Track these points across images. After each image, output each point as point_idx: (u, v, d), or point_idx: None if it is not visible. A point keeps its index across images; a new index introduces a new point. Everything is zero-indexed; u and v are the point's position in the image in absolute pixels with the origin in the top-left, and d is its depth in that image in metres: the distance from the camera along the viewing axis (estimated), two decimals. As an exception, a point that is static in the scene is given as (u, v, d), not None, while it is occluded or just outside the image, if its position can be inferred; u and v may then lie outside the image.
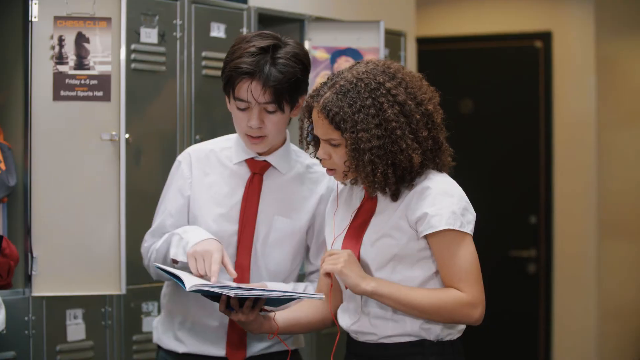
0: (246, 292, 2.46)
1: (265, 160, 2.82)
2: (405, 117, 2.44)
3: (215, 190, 2.82)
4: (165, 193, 2.89)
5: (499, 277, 6.49)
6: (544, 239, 6.69)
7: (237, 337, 2.79)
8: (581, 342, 6.58)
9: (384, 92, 2.44)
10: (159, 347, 2.94)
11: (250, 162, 2.82)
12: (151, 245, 2.85)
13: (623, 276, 6.64)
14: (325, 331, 2.86)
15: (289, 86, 2.66)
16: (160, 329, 2.93)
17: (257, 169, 2.81)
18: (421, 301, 2.44)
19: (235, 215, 2.80)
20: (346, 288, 2.54)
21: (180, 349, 2.86)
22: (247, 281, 2.76)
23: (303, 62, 2.72)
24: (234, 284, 2.55)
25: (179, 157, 2.91)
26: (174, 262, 2.73)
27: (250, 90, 2.65)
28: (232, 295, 2.43)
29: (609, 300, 6.57)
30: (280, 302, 2.60)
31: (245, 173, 2.82)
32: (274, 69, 2.64)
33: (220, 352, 2.83)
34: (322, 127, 2.49)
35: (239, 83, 2.66)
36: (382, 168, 2.43)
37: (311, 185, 2.84)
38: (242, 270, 2.77)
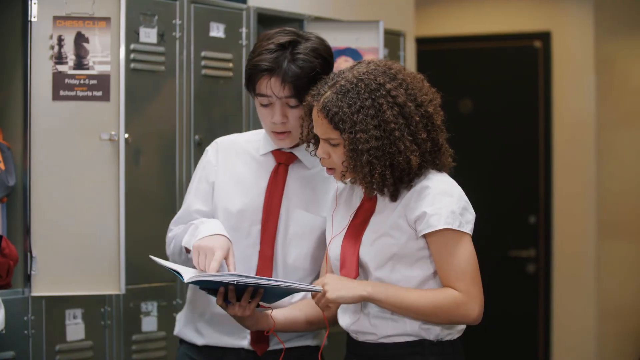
0: (248, 280, 2.46)
1: (291, 152, 2.83)
2: (404, 119, 2.44)
3: (240, 179, 2.84)
4: (192, 182, 2.91)
5: (498, 277, 6.49)
6: (543, 238, 6.69)
7: None
8: (580, 342, 6.59)
9: (383, 93, 2.44)
10: (180, 340, 2.95)
11: (276, 153, 2.83)
12: (174, 236, 2.86)
13: (622, 276, 6.64)
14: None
15: (308, 80, 2.67)
16: (182, 321, 2.94)
17: (283, 159, 2.82)
18: (417, 304, 2.44)
19: (258, 204, 2.80)
20: None
21: (199, 341, 2.86)
22: (270, 271, 2.77)
23: (323, 56, 2.73)
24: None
25: (207, 147, 2.93)
26: (187, 250, 2.74)
27: (269, 85, 2.68)
28: (235, 283, 2.43)
29: (608, 300, 6.57)
30: (275, 298, 2.60)
31: (271, 164, 2.84)
32: (293, 65, 2.67)
33: (239, 342, 2.83)
34: (321, 127, 2.49)
35: (259, 80, 2.69)
36: (380, 169, 2.43)
37: (334, 182, 2.84)
38: (265, 260, 2.78)
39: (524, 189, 6.77)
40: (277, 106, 2.71)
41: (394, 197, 2.49)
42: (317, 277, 2.87)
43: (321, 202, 2.83)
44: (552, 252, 6.65)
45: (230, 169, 2.86)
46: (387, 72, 2.48)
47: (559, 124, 6.66)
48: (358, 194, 2.61)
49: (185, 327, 2.91)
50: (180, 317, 2.96)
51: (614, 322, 6.59)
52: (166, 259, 2.87)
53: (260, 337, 2.81)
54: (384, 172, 2.44)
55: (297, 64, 2.67)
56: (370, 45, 4.30)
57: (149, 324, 3.74)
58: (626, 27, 6.73)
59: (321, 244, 2.83)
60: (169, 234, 2.90)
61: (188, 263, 2.76)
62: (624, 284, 6.64)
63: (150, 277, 3.68)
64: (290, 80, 2.66)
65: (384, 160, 2.43)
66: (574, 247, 6.60)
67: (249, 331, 2.81)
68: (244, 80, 2.79)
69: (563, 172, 6.64)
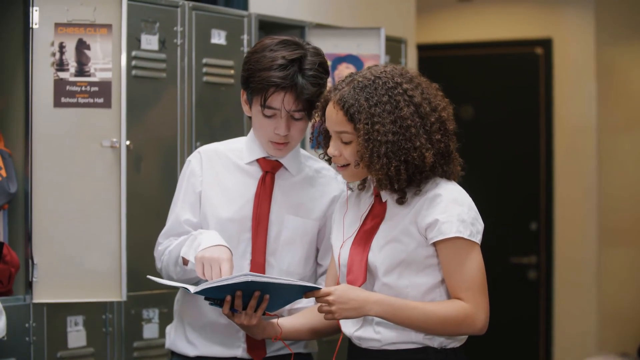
0: (261, 278, 2.45)
1: (276, 160, 2.84)
2: (420, 118, 2.46)
3: (227, 188, 2.84)
4: (177, 193, 2.90)
5: (500, 284, 6.49)
6: (544, 245, 6.68)
7: None
8: (581, 347, 6.58)
9: (401, 91, 2.46)
10: (172, 353, 2.94)
11: (262, 161, 2.84)
12: (166, 248, 2.85)
13: (623, 281, 6.64)
14: (325, 338, 2.85)
15: (317, 94, 2.70)
16: (172, 334, 2.93)
17: (269, 168, 2.83)
18: (425, 320, 2.45)
19: (247, 213, 2.81)
20: None
21: (191, 352, 2.86)
22: None
23: (326, 69, 2.78)
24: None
25: (189, 157, 2.92)
26: (184, 261, 2.73)
27: (283, 101, 2.69)
28: (249, 280, 2.42)
29: (608, 305, 6.57)
30: (278, 305, 2.60)
31: (256, 172, 2.84)
32: (305, 81, 2.69)
33: (233, 352, 2.83)
34: (335, 119, 2.50)
35: (272, 95, 2.70)
36: (396, 163, 2.44)
37: (321, 187, 2.87)
38: (258, 268, 2.78)
39: (525, 195, 6.77)
40: (284, 119, 2.72)
41: (401, 199, 2.50)
42: (314, 282, 2.88)
43: (309, 206, 2.85)
44: (553, 259, 6.65)
45: (216, 178, 2.85)
46: (404, 75, 2.51)
47: (560, 130, 6.66)
48: (365, 200, 2.62)
49: (176, 339, 2.90)
50: (169, 330, 2.96)
51: (614, 327, 6.59)
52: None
53: (256, 344, 2.81)
54: (399, 166, 2.44)
55: (309, 80, 2.69)
56: (372, 52, 4.30)
57: (150, 331, 3.74)
58: (627, 33, 6.74)
59: (311, 246, 2.85)
60: (159, 248, 2.88)
61: (184, 274, 2.77)
62: (625, 290, 6.64)
63: (151, 284, 3.64)
64: (305, 97, 2.68)
65: (399, 155, 2.44)
66: (575, 253, 6.60)
67: (242, 340, 2.82)
68: (246, 89, 2.78)
69: (564, 178, 6.64)
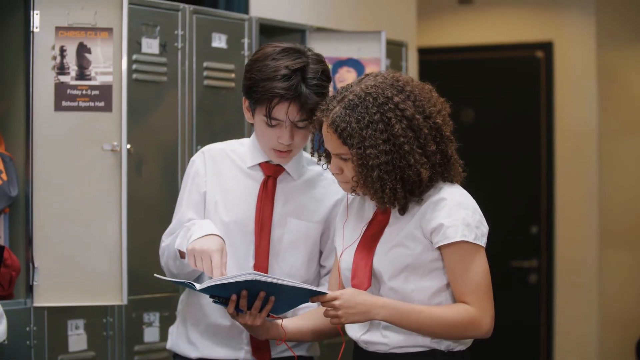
0: (266, 278, 2.46)
1: (279, 165, 2.83)
2: (413, 132, 2.45)
3: (229, 191, 2.84)
4: (182, 193, 2.91)
5: (501, 288, 6.48)
6: (545, 248, 6.68)
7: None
8: (582, 350, 6.58)
9: (392, 106, 2.45)
10: (174, 355, 2.95)
11: (264, 165, 2.84)
12: (167, 245, 2.86)
13: (624, 284, 6.64)
14: (327, 342, 2.85)
15: (320, 103, 2.69)
16: (174, 334, 2.94)
17: (271, 172, 2.83)
18: (431, 324, 2.46)
19: (249, 217, 2.81)
20: None
21: (193, 353, 2.86)
22: None
23: (328, 76, 2.76)
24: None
25: (193, 157, 2.92)
26: (181, 255, 2.74)
27: (287, 111, 2.68)
28: (254, 279, 2.43)
29: (609, 307, 6.57)
30: (283, 309, 2.61)
31: (259, 176, 2.85)
32: (309, 91, 2.68)
33: (235, 354, 2.84)
34: (331, 142, 2.51)
35: (276, 105, 2.68)
36: (391, 184, 2.44)
37: (323, 190, 2.87)
38: (261, 272, 2.77)
39: (526, 198, 6.77)
40: (288, 128, 2.72)
41: (403, 210, 2.50)
42: (317, 285, 2.88)
43: (312, 209, 2.85)
44: (554, 262, 6.65)
45: (219, 180, 2.86)
46: (395, 85, 2.49)
47: (561, 133, 6.67)
48: (370, 205, 2.62)
49: (178, 340, 2.91)
50: (172, 331, 2.96)
51: (615, 330, 6.59)
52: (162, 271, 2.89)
53: (261, 345, 2.81)
54: (395, 186, 2.44)
55: (313, 90, 2.68)
56: (373, 55, 4.30)
57: (151, 334, 3.74)
58: (628, 36, 6.75)
59: (313, 248, 2.85)
60: (162, 245, 2.90)
61: (183, 268, 2.78)
62: (626, 292, 6.64)
63: (152, 287, 3.67)
64: (309, 107, 2.67)
65: (395, 174, 2.44)
66: (576, 256, 6.61)
67: (245, 342, 2.83)
68: (249, 98, 2.77)
69: (565, 181, 6.65)
